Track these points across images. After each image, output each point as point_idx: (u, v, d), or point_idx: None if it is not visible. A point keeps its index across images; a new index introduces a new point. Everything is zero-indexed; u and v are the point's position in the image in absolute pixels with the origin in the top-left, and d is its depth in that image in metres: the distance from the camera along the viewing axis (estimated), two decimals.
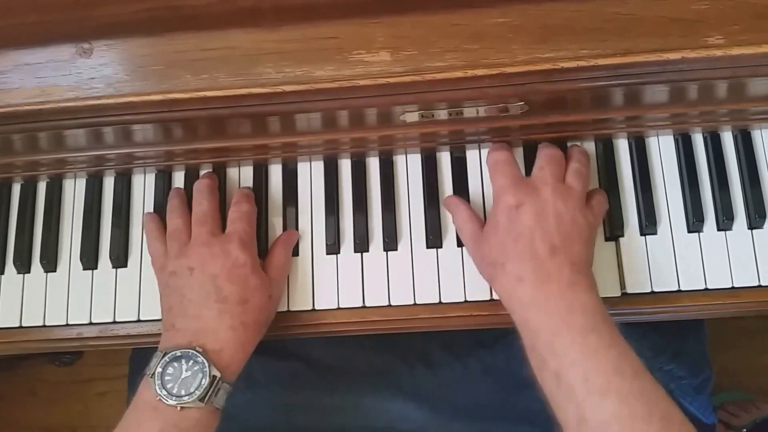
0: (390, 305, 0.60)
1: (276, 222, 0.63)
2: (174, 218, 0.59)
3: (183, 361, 0.50)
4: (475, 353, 0.69)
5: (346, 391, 0.69)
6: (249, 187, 0.62)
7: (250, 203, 0.60)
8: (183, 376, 0.49)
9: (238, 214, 0.58)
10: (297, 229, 0.63)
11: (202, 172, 0.64)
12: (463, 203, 0.59)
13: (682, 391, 0.68)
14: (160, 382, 0.50)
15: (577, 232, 0.52)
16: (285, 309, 0.60)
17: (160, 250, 0.59)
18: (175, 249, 0.57)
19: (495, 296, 0.60)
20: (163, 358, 0.50)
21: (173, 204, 0.61)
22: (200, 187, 0.60)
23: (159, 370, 0.50)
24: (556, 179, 0.55)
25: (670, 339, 0.68)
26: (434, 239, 0.61)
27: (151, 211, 0.63)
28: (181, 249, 0.56)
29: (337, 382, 0.67)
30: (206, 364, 0.50)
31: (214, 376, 0.50)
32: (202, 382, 0.50)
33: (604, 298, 0.58)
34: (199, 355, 0.50)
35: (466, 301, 0.60)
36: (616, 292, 0.59)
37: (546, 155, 0.57)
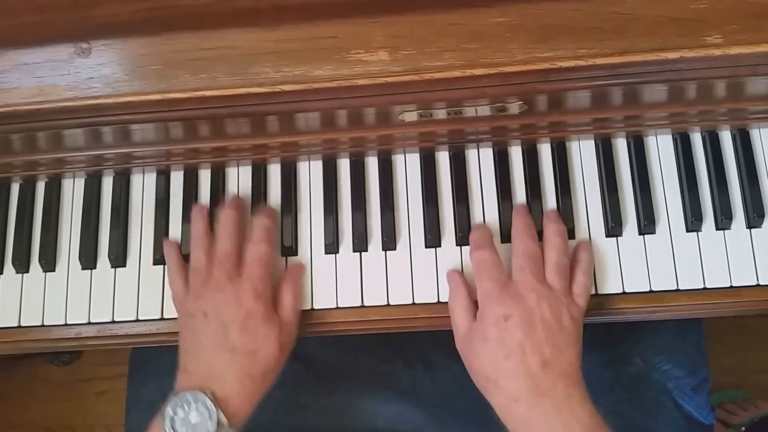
0: (389, 305, 0.60)
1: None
2: (197, 251, 0.59)
3: (193, 405, 0.51)
4: None
5: (344, 391, 0.69)
6: (270, 215, 0.60)
7: (269, 243, 0.58)
8: (193, 422, 0.50)
9: (256, 255, 0.57)
10: (296, 228, 0.63)
11: (203, 172, 0.64)
12: (463, 288, 0.57)
13: (680, 390, 0.68)
14: (170, 425, 0.51)
15: (565, 339, 0.52)
16: None
17: (180, 287, 0.59)
18: (195, 288, 0.57)
19: None
20: (174, 399, 0.51)
21: (197, 232, 0.60)
22: (226, 222, 0.59)
23: (170, 413, 0.51)
24: (538, 280, 0.54)
25: (668, 339, 0.69)
26: (433, 239, 0.61)
27: (166, 227, 0.63)
28: (200, 290, 0.56)
29: (336, 382, 0.67)
30: (214, 411, 0.51)
31: (221, 424, 0.51)
32: (210, 429, 0.50)
33: (605, 296, 0.59)
34: (208, 400, 0.51)
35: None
36: (618, 290, 0.59)
37: (523, 253, 0.55)
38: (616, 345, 0.69)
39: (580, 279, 0.56)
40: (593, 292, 0.59)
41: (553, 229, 0.58)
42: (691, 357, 0.69)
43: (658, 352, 0.68)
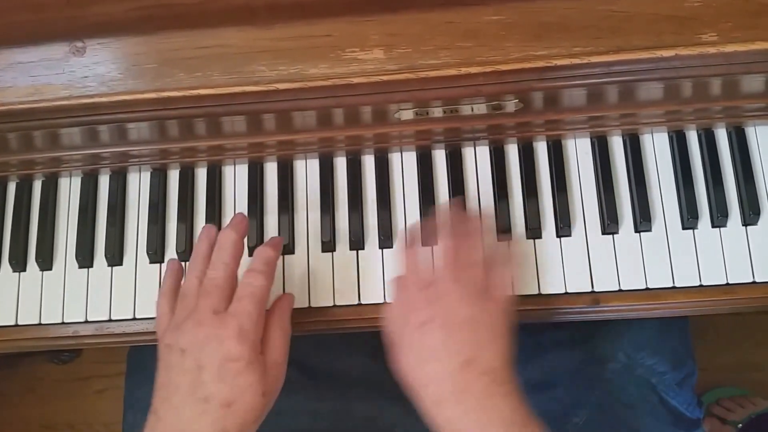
0: (386, 302, 0.60)
1: (271, 220, 0.63)
2: (191, 275, 0.53)
3: None
4: None
5: (337, 396, 0.68)
6: (275, 246, 0.54)
7: (267, 277, 0.52)
8: None
9: (250, 289, 0.50)
10: (293, 227, 0.63)
11: (199, 171, 0.64)
12: (408, 300, 0.53)
13: (664, 385, 0.68)
14: None
15: (487, 335, 0.50)
16: None
17: (165, 311, 0.53)
18: (178, 317, 0.51)
19: None
20: None
21: (197, 253, 0.54)
22: (224, 244, 0.53)
23: None
24: (456, 279, 0.52)
25: (651, 334, 0.69)
26: (430, 237, 0.61)
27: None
28: (182, 321, 0.50)
29: (330, 387, 0.67)
30: None
31: None
32: None
33: (601, 293, 0.59)
34: None
35: None
36: (614, 287, 0.59)
37: (445, 255, 0.53)
38: (599, 341, 0.69)
39: (500, 274, 0.55)
40: (590, 289, 0.59)
41: (473, 227, 0.56)
42: (674, 352, 0.69)
43: (640, 347, 0.68)
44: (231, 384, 0.48)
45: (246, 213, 0.63)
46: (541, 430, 0.48)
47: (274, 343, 0.52)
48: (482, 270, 0.54)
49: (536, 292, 0.59)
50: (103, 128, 0.56)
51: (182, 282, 0.54)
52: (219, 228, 0.58)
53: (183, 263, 0.59)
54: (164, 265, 0.63)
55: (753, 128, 0.62)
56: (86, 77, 0.51)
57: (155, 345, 0.63)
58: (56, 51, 0.51)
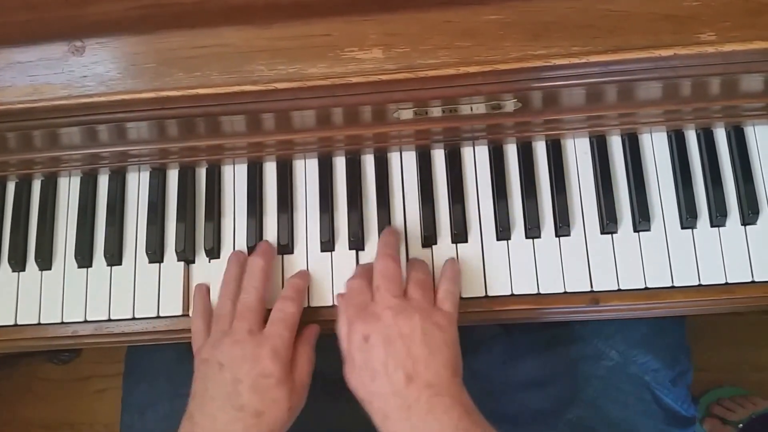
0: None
1: (270, 220, 0.63)
2: (224, 298, 0.58)
3: None
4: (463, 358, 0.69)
5: (345, 399, 0.69)
6: (304, 277, 0.60)
7: (298, 303, 0.58)
8: None
9: (282, 314, 0.57)
10: (292, 226, 0.63)
11: (198, 170, 0.64)
12: (348, 320, 0.55)
13: (657, 383, 0.68)
14: None
15: (429, 348, 0.52)
16: None
17: (201, 329, 0.59)
18: (215, 336, 0.57)
19: (490, 293, 0.60)
20: None
21: (228, 277, 0.59)
22: (253, 270, 0.59)
23: None
24: (395, 295, 0.54)
25: (644, 332, 0.69)
26: (429, 237, 0.61)
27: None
28: (219, 339, 0.56)
29: (324, 389, 0.68)
30: None
31: None
32: None
33: (600, 293, 0.59)
34: None
35: (461, 299, 0.60)
36: (613, 287, 0.59)
37: (379, 273, 0.55)
38: (593, 339, 0.69)
39: (444, 286, 0.56)
40: (589, 289, 0.59)
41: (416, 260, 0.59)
42: (669, 349, 0.69)
43: (634, 345, 0.68)
44: (263, 397, 0.53)
45: (245, 212, 0.63)
46: None
47: (301, 366, 0.57)
48: (427, 286, 0.55)
49: (535, 291, 0.59)
50: (102, 128, 0.56)
51: (215, 303, 0.60)
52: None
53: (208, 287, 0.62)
54: (163, 265, 0.63)
55: (752, 128, 0.62)
56: (85, 77, 0.51)
57: (153, 346, 0.63)
58: (55, 50, 0.51)
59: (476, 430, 0.50)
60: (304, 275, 0.61)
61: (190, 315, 0.61)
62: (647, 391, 0.67)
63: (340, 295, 0.59)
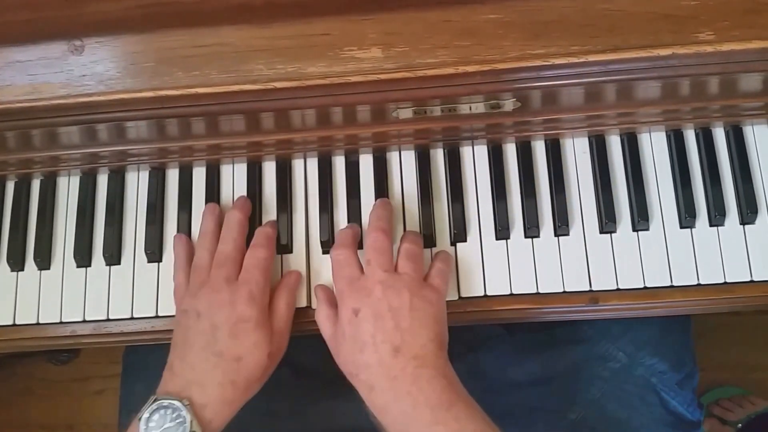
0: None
1: (270, 219, 0.63)
2: (201, 249, 0.59)
3: (169, 411, 0.51)
4: (462, 357, 0.69)
5: (332, 396, 0.69)
6: (273, 226, 0.61)
7: (269, 249, 0.59)
8: (165, 426, 0.51)
9: (255, 260, 0.57)
10: (291, 226, 0.63)
11: (197, 170, 0.64)
12: (323, 300, 0.58)
13: (664, 385, 0.68)
14: (145, 427, 0.51)
15: (417, 322, 0.52)
16: None
17: (181, 282, 0.59)
18: (193, 286, 0.57)
19: (489, 292, 0.60)
20: (152, 404, 0.52)
21: (205, 229, 0.60)
22: (231, 223, 0.59)
23: (146, 415, 0.51)
24: (385, 270, 0.54)
25: (651, 333, 0.69)
26: (428, 236, 0.61)
27: (177, 235, 0.63)
28: (197, 289, 0.56)
29: (325, 387, 0.68)
30: (187, 420, 0.51)
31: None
32: None
33: (599, 292, 0.59)
34: (183, 408, 0.51)
35: (460, 298, 0.60)
36: (612, 287, 0.59)
37: (371, 247, 0.56)
38: (600, 339, 0.69)
39: (437, 265, 0.57)
40: (588, 288, 0.59)
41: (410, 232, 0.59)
42: (675, 351, 0.69)
43: (641, 346, 0.68)
44: (242, 342, 0.54)
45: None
46: (468, 409, 0.50)
47: (279, 312, 0.57)
48: (418, 260, 0.56)
49: (534, 290, 0.59)
50: (101, 127, 0.56)
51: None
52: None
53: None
54: (162, 265, 0.63)
55: (750, 127, 0.62)
56: (84, 76, 0.51)
57: (151, 346, 0.63)
58: (54, 50, 0.51)
59: (459, 402, 0.51)
60: (274, 224, 0.61)
61: (173, 268, 0.61)
62: (653, 393, 0.67)
63: (316, 288, 0.59)
